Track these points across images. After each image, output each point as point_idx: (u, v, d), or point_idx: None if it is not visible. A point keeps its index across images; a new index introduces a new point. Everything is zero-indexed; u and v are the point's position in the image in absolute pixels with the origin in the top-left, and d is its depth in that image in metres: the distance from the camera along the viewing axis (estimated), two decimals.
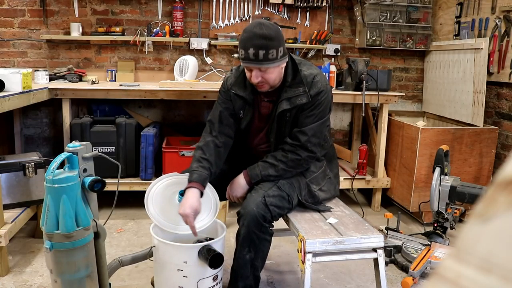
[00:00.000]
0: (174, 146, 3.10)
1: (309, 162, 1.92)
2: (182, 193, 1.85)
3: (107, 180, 1.74)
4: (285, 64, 1.85)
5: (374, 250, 1.75)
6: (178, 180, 1.89)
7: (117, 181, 1.79)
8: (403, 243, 2.52)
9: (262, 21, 1.79)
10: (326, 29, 3.74)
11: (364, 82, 3.14)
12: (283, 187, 1.86)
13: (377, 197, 3.43)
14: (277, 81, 1.85)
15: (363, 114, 3.24)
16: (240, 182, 1.92)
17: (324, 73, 2.11)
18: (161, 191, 1.90)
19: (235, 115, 1.98)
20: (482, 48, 3.06)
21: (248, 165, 1.94)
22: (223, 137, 1.93)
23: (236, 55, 3.43)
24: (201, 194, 1.78)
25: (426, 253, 2.38)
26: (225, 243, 1.88)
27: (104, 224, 1.69)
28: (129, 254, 1.92)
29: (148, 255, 1.87)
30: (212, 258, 1.68)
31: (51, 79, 3.19)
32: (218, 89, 2.07)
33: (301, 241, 1.70)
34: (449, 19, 3.62)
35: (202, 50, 3.59)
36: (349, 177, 3.33)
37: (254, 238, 1.77)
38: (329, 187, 2.03)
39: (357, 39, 3.79)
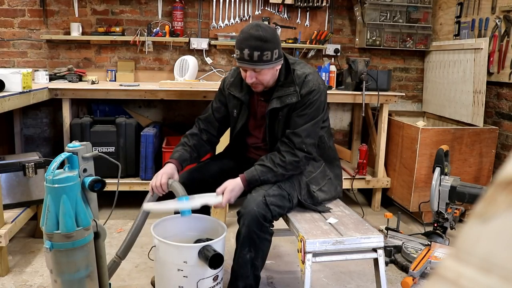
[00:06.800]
0: (174, 146, 3.08)
1: (306, 162, 1.92)
2: None
3: (107, 180, 1.74)
4: (280, 66, 1.87)
5: (374, 250, 1.75)
6: None
7: (117, 181, 1.79)
8: (403, 243, 2.52)
9: (260, 22, 1.81)
10: (326, 29, 3.73)
11: (364, 82, 3.14)
12: (284, 186, 1.86)
13: (377, 197, 3.43)
14: (271, 82, 1.87)
15: (363, 114, 3.24)
16: (237, 188, 1.83)
17: (318, 73, 2.12)
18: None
19: (227, 116, 2.05)
20: (482, 48, 3.06)
21: (244, 164, 1.95)
22: (207, 135, 2.07)
23: (235, 55, 3.43)
24: (178, 172, 1.93)
25: (426, 253, 2.38)
26: (225, 243, 1.88)
27: (104, 224, 1.69)
28: (122, 244, 1.90)
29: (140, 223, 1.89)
30: (212, 258, 1.68)
31: (51, 79, 3.19)
32: (218, 89, 2.12)
33: (301, 241, 1.70)
34: (449, 19, 3.62)
35: (202, 50, 3.59)
36: (349, 177, 3.33)
37: (254, 238, 1.77)
38: (330, 188, 2.03)
39: (357, 39, 3.78)
